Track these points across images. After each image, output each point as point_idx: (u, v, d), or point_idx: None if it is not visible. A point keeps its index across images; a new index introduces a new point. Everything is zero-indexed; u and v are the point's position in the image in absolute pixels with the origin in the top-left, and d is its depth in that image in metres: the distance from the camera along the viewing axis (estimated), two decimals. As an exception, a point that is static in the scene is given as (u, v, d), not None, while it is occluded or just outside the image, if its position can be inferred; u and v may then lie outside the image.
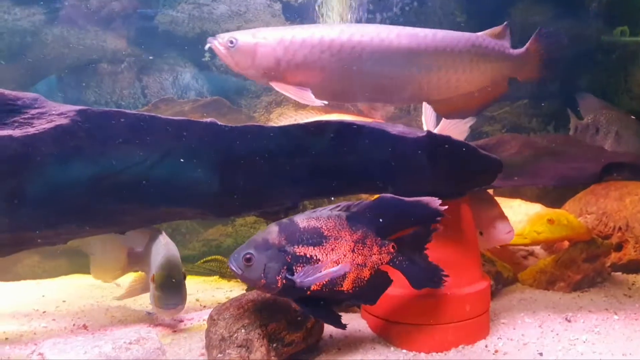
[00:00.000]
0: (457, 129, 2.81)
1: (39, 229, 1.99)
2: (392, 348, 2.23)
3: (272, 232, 1.95)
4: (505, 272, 3.02)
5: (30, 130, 1.80)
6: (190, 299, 2.64)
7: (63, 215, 2.01)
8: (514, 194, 3.40)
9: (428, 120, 2.82)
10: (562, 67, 2.59)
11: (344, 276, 1.96)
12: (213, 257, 3.47)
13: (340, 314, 2.51)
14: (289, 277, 1.91)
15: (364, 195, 2.83)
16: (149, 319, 2.69)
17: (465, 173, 2.24)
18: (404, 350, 2.21)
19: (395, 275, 2.06)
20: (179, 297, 2.43)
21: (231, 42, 2.26)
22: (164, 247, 2.58)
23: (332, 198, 2.57)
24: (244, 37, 2.28)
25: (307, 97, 2.28)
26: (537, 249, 3.40)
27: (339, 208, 2.01)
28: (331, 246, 1.95)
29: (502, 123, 3.81)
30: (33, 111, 1.84)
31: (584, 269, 2.95)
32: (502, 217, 2.65)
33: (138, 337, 1.93)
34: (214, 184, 2.02)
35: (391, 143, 2.05)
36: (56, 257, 3.45)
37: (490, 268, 2.94)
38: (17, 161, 1.83)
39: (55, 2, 3.29)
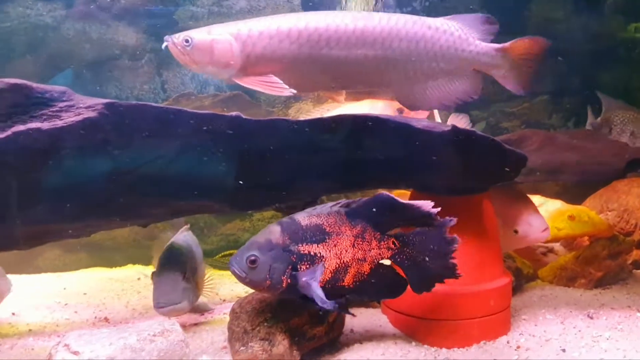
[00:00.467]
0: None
1: (66, 221, 2.01)
2: (413, 343, 2.23)
3: (274, 231, 1.93)
4: (525, 268, 3.00)
5: (59, 123, 1.81)
6: (209, 292, 2.62)
7: (89, 208, 2.03)
8: (533, 190, 3.38)
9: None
10: (539, 81, 2.45)
11: (345, 271, 1.95)
12: (231, 251, 3.48)
13: (360, 309, 2.54)
14: (295, 275, 1.89)
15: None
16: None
17: (489, 168, 2.22)
18: (426, 345, 2.21)
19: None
20: (174, 296, 2.23)
21: (187, 40, 2.21)
22: (173, 241, 2.51)
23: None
24: (200, 34, 2.24)
25: (275, 86, 2.23)
26: (557, 245, 3.38)
27: (338, 205, 2.00)
28: (334, 242, 1.94)
29: (521, 119, 3.79)
30: (61, 104, 1.85)
31: (605, 266, 2.93)
32: (537, 214, 2.61)
33: (162, 329, 1.94)
34: (239, 178, 2.03)
35: (416, 137, 2.04)
36: (76, 250, 3.48)
37: (510, 264, 2.93)
38: (46, 154, 1.85)
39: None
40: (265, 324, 2.01)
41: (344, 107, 2.85)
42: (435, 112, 2.86)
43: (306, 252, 1.92)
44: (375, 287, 2.02)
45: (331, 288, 1.95)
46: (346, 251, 1.95)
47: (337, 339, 2.22)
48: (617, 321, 2.43)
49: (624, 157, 2.59)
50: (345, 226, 1.96)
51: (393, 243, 2.01)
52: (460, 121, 2.73)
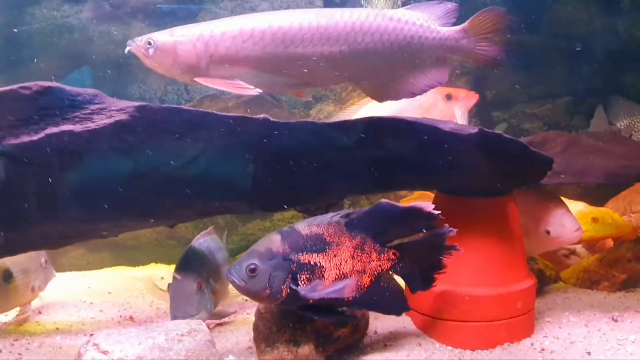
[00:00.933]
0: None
1: (99, 221, 2.04)
2: (437, 345, 2.23)
3: (274, 240, 1.94)
4: (548, 270, 2.98)
5: (91, 126, 1.84)
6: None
7: (122, 208, 2.05)
8: (555, 192, 3.36)
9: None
10: (510, 51, 2.41)
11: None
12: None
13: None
14: (294, 287, 1.89)
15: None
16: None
17: (515, 170, 2.22)
18: (450, 347, 2.21)
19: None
20: (190, 308, 2.24)
21: (149, 43, 2.21)
22: (190, 246, 2.50)
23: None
24: (162, 37, 2.23)
25: (239, 87, 2.23)
26: (579, 247, 3.35)
27: (337, 215, 2.00)
28: (333, 252, 1.95)
29: (543, 120, 3.76)
30: (93, 107, 1.88)
31: (629, 268, 2.90)
32: (569, 214, 2.58)
33: (190, 329, 1.95)
34: (267, 179, 2.05)
35: (443, 140, 2.05)
36: (100, 249, 3.52)
37: (533, 266, 2.91)
38: (78, 155, 1.88)
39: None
40: (291, 325, 2.02)
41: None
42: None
43: (306, 261, 1.92)
44: (377, 301, 2.03)
45: (330, 300, 1.94)
46: (345, 262, 1.95)
47: (361, 341, 2.23)
48: (642, 324, 2.42)
49: (651, 159, 2.58)
50: (345, 237, 1.97)
51: (394, 254, 2.02)
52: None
